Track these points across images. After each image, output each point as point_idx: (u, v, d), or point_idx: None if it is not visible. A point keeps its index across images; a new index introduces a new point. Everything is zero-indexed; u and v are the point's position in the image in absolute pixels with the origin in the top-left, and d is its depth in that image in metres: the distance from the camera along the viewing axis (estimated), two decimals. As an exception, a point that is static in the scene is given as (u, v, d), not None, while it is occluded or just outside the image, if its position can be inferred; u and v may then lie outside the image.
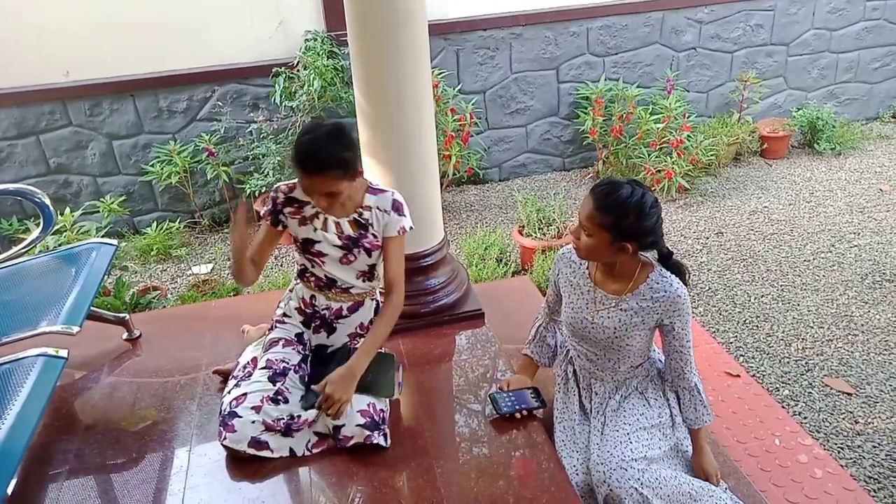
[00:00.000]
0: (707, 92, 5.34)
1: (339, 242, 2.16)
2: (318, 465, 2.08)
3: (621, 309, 1.95)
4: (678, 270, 1.94)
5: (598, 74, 5.03)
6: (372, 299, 2.36)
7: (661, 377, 2.12)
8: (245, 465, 2.09)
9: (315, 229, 2.15)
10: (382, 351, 2.25)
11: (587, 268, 2.03)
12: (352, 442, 2.06)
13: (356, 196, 2.15)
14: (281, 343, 2.25)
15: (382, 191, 2.19)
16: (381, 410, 2.12)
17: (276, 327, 2.33)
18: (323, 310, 2.27)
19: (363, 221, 2.16)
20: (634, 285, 1.93)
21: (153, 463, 2.18)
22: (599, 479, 1.93)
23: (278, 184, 2.20)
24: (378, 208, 2.16)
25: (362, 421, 2.06)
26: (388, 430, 2.12)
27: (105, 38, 4.17)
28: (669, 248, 1.95)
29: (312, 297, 2.27)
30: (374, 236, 2.18)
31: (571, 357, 2.22)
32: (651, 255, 1.96)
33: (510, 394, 2.21)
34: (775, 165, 5.14)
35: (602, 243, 1.83)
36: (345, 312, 2.29)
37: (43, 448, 2.25)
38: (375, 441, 2.06)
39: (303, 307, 2.30)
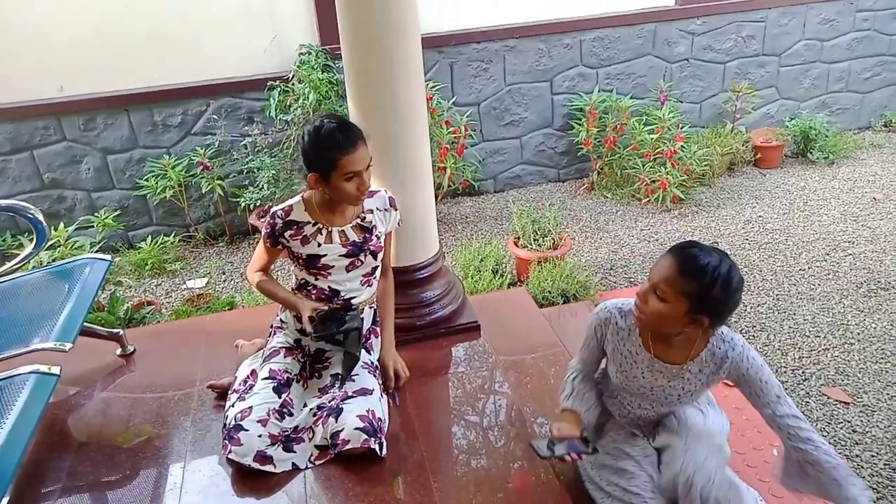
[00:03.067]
0: (700, 102, 5.37)
1: (344, 251, 2.22)
2: (315, 481, 2.07)
3: (683, 378, 1.81)
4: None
5: (592, 86, 5.05)
6: (370, 307, 2.40)
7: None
8: (240, 482, 2.08)
9: (319, 244, 2.20)
10: (353, 311, 2.25)
11: (638, 336, 1.83)
12: (349, 446, 2.04)
13: None
14: (282, 353, 2.28)
15: (375, 191, 2.31)
16: (380, 419, 2.12)
17: (275, 334, 2.35)
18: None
19: (367, 225, 2.26)
20: (696, 352, 1.77)
21: (147, 480, 2.16)
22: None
23: (274, 209, 2.24)
24: (378, 209, 2.30)
25: (360, 425, 2.05)
26: (384, 441, 2.11)
27: (99, 51, 4.17)
28: None
29: (316, 295, 2.27)
30: (378, 238, 2.28)
31: (624, 408, 2.02)
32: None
33: (556, 444, 1.89)
34: (769, 175, 5.16)
35: (676, 312, 1.63)
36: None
37: (35, 465, 2.23)
38: (372, 447, 2.04)
39: (290, 347, 2.31)
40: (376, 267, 2.33)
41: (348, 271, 2.25)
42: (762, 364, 1.75)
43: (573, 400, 2.02)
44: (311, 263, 2.22)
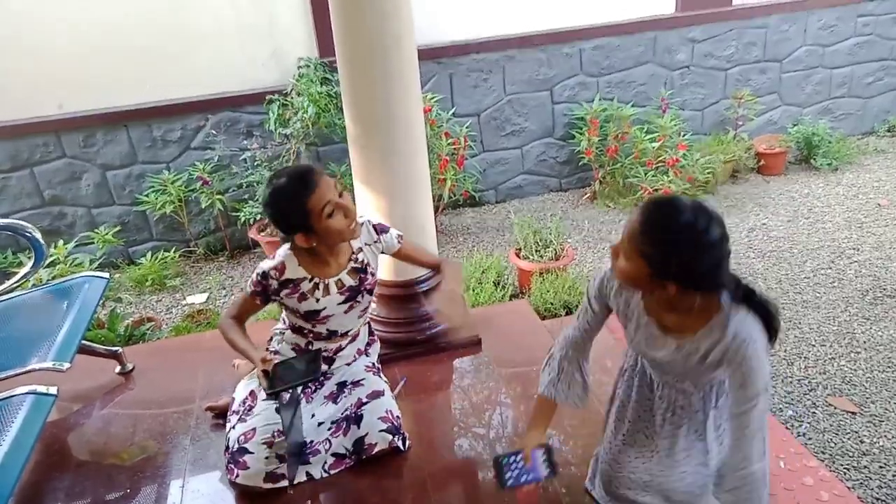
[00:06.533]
0: (702, 110, 5.35)
1: (342, 298, 2.14)
2: (315, 501, 2.05)
3: (682, 354, 1.54)
4: (761, 310, 1.47)
5: (593, 95, 5.03)
6: (365, 324, 2.39)
7: None
8: (240, 501, 2.06)
9: (317, 300, 2.11)
10: (313, 362, 2.05)
11: (641, 297, 1.60)
12: (377, 449, 2.12)
13: (345, 246, 2.13)
14: None
15: (359, 224, 2.13)
16: (398, 417, 2.19)
17: (275, 354, 2.32)
18: (322, 352, 2.25)
19: (360, 266, 2.17)
20: (695, 327, 1.49)
21: (146, 499, 2.15)
22: None
23: (264, 267, 2.07)
24: (367, 245, 2.20)
25: (384, 426, 2.13)
26: (406, 435, 2.21)
27: (98, 68, 4.18)
28: (748, 285, 1.48)
29: (309, 343, 2.24)
30: (372, 274, 2.20)
31: (642, 369, 1.79)
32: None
33: (519, 460, 1.80)
34: (772, 182, 5.13)
35: (639, 273, 1.42)
36: (343, 345, 2.29)
37: (33, 486, 2.22)
38: (397, 445, 2.14)
39: (299, 351, 2.27)
40: (371, 300, 2.29)
41: (346, 313, 2.19)
42: (757, 370, 1.44)
43: (559, 385, 1.79)
44: (311, 317, 2.15)
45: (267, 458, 2.02)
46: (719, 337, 1.45)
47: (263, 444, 2.02)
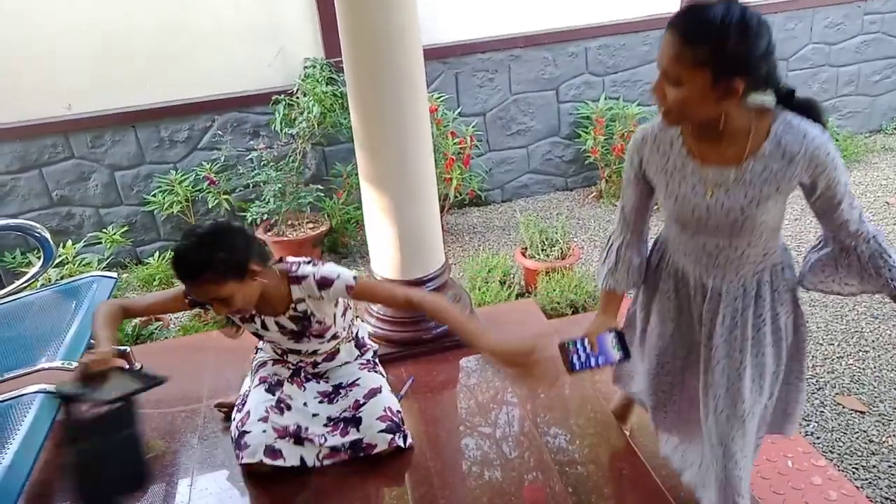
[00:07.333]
0: (708, 108, 5.33)
1: (285, 337, 2.13)
2: (320, 499, 2.06)
3: (745, 182, 1.45)
4: (809, 110, 1.43)
5: (598, 94, 5.03)
6: (348, 341, 2.33)
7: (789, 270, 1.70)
8: (249, 498, 2.07)
9: (257, 328, 2.11)
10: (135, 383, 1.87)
11: (682, 145, 1.53)
12: (377, 450, 2.10)
13: (281, 292, 2.00)
14: (269, 363, 2.28)
15: (303, 277, 1.99)
16: (398, 412, 2.17)
17: (259, 350, 2.35)
18: (297, 363, 2.28)
19: (301, 314, 2.06)
20: (755, 145, 1.41)
21: (155, 497, 2.16)
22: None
23: None
24: (309, 297, 2.03)
25: (383, 426, 2.10)
26: (407, 431, 2.17)
27: (106, 69, 4.20)
28: (788, 84, 1.42)
29: (284, 353, 2.26)
30: (320, 322, 2.10)
31: (674, 262, 1.74)
32: (766, 101, 1.44)
33: (585, 344, 1.71)
34: (779, 180, 5.11)
35: (700, 89, 1.33)
36: (320, 362, 2.28)
37: (43, 485, 2.23)
38: (397, 443, 2.12)
39: (276, 359, 2.29)
40: (333, 334, 2.18)
41: (298, 343, 2.16)
42: (839, 165, 1.43)
43: (620, 274, 1.76)
44: (258, 337, 2.18)
45: (264, 431, 2.04)
46: (791, 142, 1.39)
47: (259, 420, 2.05)
